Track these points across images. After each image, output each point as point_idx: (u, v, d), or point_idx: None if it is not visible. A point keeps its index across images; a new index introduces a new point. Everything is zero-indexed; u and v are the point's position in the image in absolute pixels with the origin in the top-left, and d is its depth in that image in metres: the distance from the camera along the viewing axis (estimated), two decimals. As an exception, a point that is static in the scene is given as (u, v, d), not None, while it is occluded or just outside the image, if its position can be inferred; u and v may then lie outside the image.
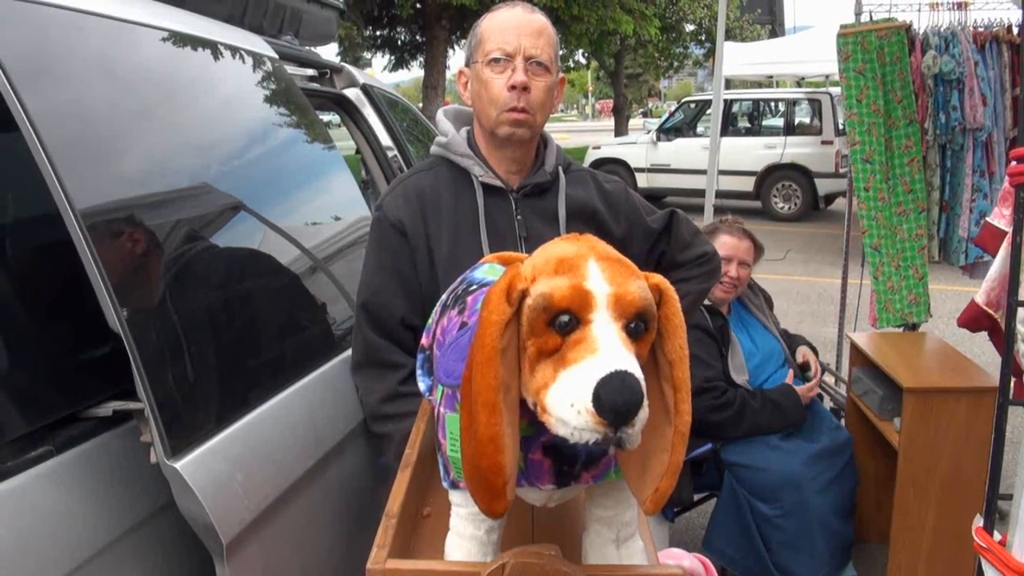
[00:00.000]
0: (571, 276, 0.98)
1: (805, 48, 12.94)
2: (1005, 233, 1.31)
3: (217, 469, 1.51)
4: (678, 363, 1.03)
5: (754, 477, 3.20)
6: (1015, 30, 4.24)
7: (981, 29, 4.44)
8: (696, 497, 3.44)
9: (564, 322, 0.97)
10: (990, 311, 1.61)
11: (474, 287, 1.37)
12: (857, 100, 4.36)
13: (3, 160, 1.74)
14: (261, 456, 1.66)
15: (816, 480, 3.16)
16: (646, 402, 0.92)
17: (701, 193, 5.80)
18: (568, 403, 0.92)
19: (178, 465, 1.42)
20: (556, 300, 0.97)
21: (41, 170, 1.37)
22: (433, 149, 2.09)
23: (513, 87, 1.89)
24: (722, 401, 3.19)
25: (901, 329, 4.44)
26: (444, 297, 1.51)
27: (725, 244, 3.39)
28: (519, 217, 2.01)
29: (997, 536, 1.30)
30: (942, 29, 4.49)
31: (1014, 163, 1.26)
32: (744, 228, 3.51)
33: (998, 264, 1.49)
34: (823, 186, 14.04)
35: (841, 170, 12.56)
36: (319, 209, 2.42)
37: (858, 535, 3.54)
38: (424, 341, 1.57)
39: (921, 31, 4.47)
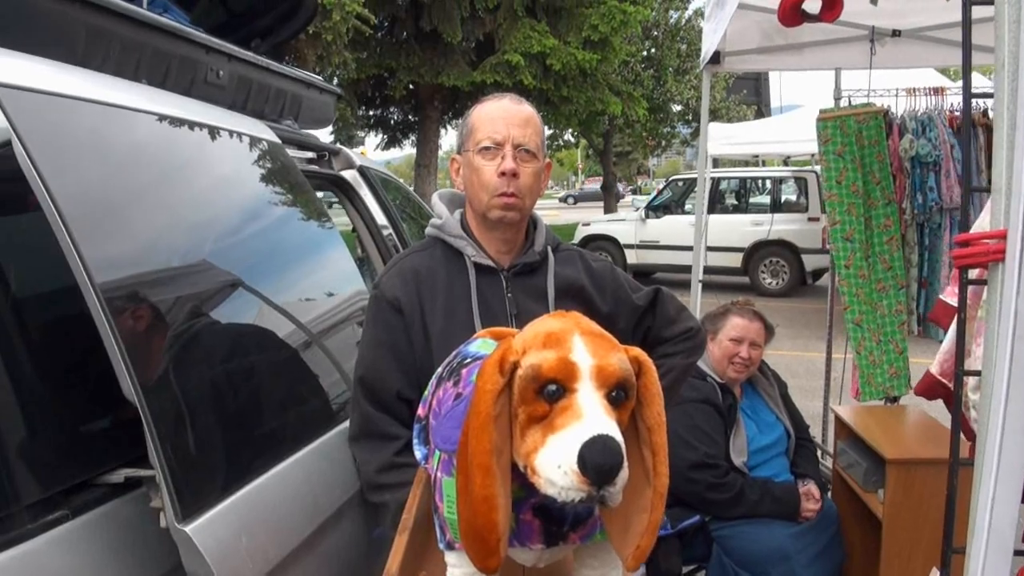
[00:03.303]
0: (558, 349, 1.08)
1: (789, 128, 13.25)
2: (955, 309, 1.41)
3: (224, 534, 1.57)
4: (656, 429, 1.12)
5: (742, 550, 3.24)
6: (991, 115, 4.38)
7: (957, 113, 4.59)
8: (685, 569, 3.46)
9: (552, 391, 1.06)
10: (944, 380, 1.71)
11: (468, 360, 1.46)
12: (837, 181, 4.50)
13: (23, 237, 1.84)
14: (264, 522, 1.73)
15: (803, 553, 3.20)
16: (626, 463, 1.01)
17: (690, 269, 5.92)
18: (556, 464, 1.02)
19: (188, 529, 1.48)
20: (544, 371, 1.06)
21: (62, 247, 1.46)
22: (428, 230, 2.19)
23: (503, 173, 2.00)
24: (722, 481, 3.23)
25: (883, 402, 4.53)
26: (440, 370, 1.60)
27: (736, 326, 3.47)
28: (510, 295, 2.10)
29: (952, 588, 1.39)
30: (919, 114, 4.65)
31: (957, 247, 1.37)
32: (755, 310, 3.58)
33: (950, 337, 1.60)
34: (810, 262, 14.23)
35: (827, 246, 12.75)
36: (318, 286, 2.52)
37: (846, 607, 3.57)
38: (420, 412, 1.65)
39: (898, 116, 4.63)
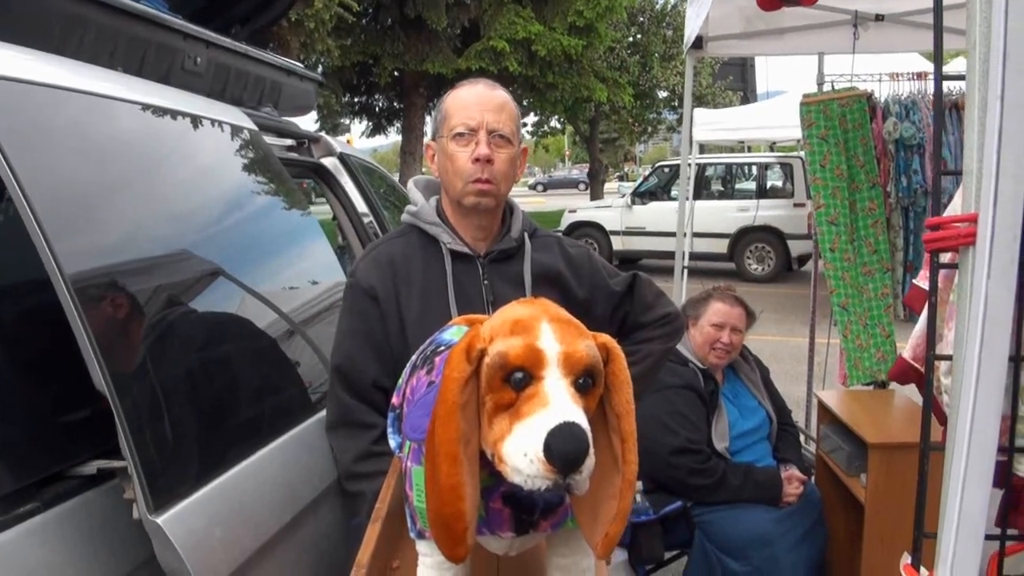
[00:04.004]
0: (525, 336, 1.07)
1: (776, 114, 13.27)
2: (927, 293, 1.42)
3: (197, 525, 1.56)
4: (625, 416, 1.12)
5: (724, 534, 3.25)
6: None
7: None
8: (667, 555, 3.47)
9: (518, 378, 1.05)
10: (916, 365, 1.71)
11: (442, 348, 1.45)
12: (821, 165, 4.50)
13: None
14: (239, 512, 1.72)
15: (786, 537, 3.21)
16: (592, 451, 1.00)
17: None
18: (522, 453, 1.01)
19: (160, 520, 1.47)
20: (511, 358, 1.06)
21: (32, 237, 1.44)
22: (404, 217, 2.18)
23: (477, 160, 1.99)
24: (705, 467, 3.24)
25: (871, 387, 4.53)
26: (414, 358, 1.59)
27: (718, 311, 3.47)
28: (486, 282, 2.09)
29: (924, 572, 1.39)
30: (903, 97, 4.65)
31: (928, 231, 1.37)
32: (736, 295, 3.59)
33: (922, 322, 1.60)
34: (795, 247, 14.27)
35: (812, 231, 12.80)
36: (295, 274, 2.50)
37: (829, 591, 3.58)
38: (395, 400, 1.64)
39: (882, 99, 4.63)
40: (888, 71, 4.85)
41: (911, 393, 3.86)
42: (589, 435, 1.00)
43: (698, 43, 5.24)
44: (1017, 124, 1.25)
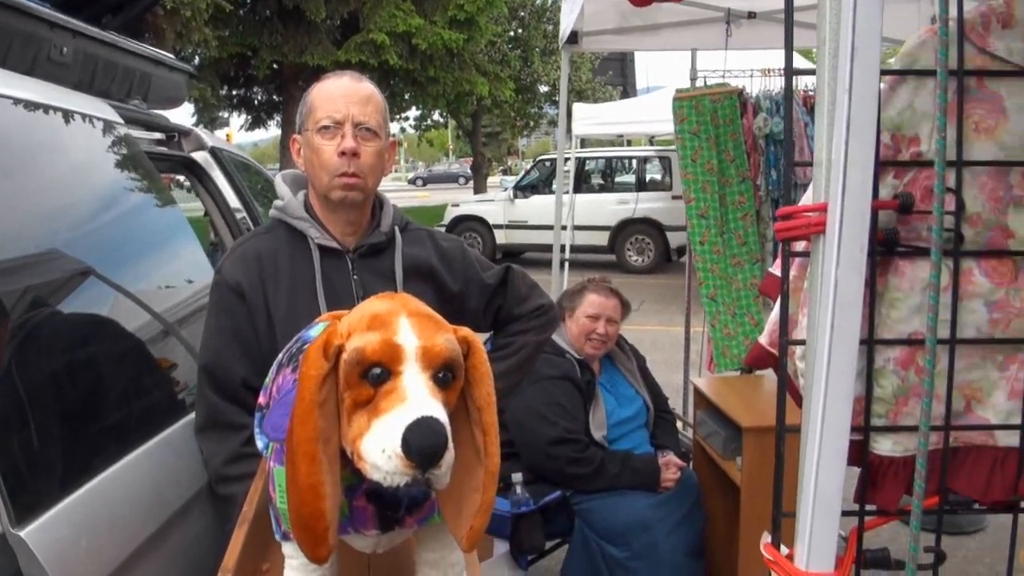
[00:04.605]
0: (383, 331, 1.06)
1: (654, 108, 13.46)
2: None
3: (62, 536, 1.50)
4: (486, 409, 1.12)
5: (604, 522, 3.28)
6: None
7: (811, 93, 4.72)
8: (548, 544, 3.50)
9: (376, 374, 1.04)
10: (772, 350, 1.77)
11: (308, 345, 1.43)
12: (692, 160, 4.59)
13: None
14: (106, 521, 1.66)
15: (664, 522, 3.26)
16: (451, 444, 1.00)
17: (560, 248, 5.98)
18: (380, 449, 1.00)
19: (22, 534, 1.41)
20: (368, 354, 1.04)
21: None
22: (272, 212, 2.14)
23: (343, 153, 1.96)
24: (583, 456, 3.26)
25: (739, 373, 4.65)
26: (280, 356, 1.56)
27: (593, 303, 3.51)
28: (356, 277, 2.06)
29: (785, 550, 1.44)
30: (773, 93, 4.77)
31: (780, 220, 1.41)
32: (611, 287, 3.63)
33: (777, 308, 1.65)
34: (674, 239, 14.57)
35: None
36: (163, 273, 2.43)
37: (709, 573, 3.65)
38: (261, 400, 1.60)
39: (753, 95, 4.74)
40: (760, 67, 4.96)
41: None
42: (448, 429, 1.00)
43: (573, 38, 5.27)
44: (865, 116, 1.30)
